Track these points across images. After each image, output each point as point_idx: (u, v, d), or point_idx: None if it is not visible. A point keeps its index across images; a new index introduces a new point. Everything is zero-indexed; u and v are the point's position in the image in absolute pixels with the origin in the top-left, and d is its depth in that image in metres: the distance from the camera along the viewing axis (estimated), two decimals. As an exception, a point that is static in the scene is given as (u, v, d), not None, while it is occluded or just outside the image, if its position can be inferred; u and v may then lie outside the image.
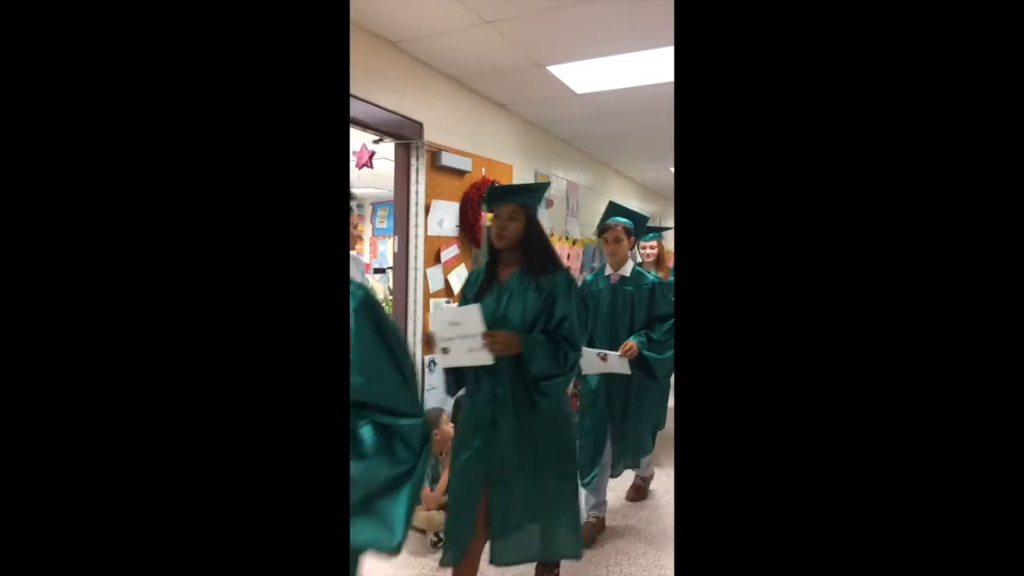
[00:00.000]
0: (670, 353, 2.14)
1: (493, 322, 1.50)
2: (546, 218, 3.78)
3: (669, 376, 2.28)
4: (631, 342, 2.10)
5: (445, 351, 1.50)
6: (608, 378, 2.23)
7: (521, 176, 3.60)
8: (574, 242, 4.30)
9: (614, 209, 2.31)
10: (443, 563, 1.60)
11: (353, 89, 2.28)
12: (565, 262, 2.31)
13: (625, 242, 2.21)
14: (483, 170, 3.09)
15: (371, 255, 7.86)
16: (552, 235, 3.92)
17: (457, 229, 2.96)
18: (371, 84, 2.39)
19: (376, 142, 2.71)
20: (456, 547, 1.56)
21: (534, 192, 1.65)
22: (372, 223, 7.96)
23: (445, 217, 2.89)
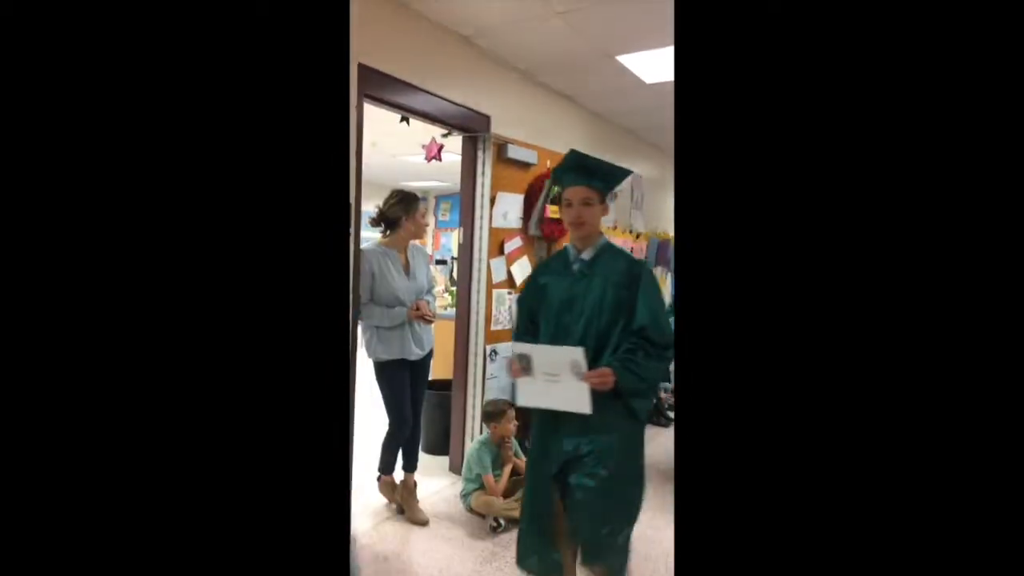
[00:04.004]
0: (655, 381, 1.53)
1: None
2: (612, 211, 3.72)
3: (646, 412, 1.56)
4: (604, 368, 1.42)
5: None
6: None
7: (585, 168, 3.56)
8: (637, 235, 4.21)
9: (575, 160, 1.57)
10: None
11: (423, 83, 2.34)
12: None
13: (596, 208, 1.56)
14: (547, 162, 3.09)
15: (433, 247, 8.05)
16: (615, 228, 3.87)
17: (521, 221, 2.98)
18: (441, 78, 2.44)
19: (444, 135, 2.77)
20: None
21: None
22: (435, 215, 8.15)
23: (509, 209, 2.92)
